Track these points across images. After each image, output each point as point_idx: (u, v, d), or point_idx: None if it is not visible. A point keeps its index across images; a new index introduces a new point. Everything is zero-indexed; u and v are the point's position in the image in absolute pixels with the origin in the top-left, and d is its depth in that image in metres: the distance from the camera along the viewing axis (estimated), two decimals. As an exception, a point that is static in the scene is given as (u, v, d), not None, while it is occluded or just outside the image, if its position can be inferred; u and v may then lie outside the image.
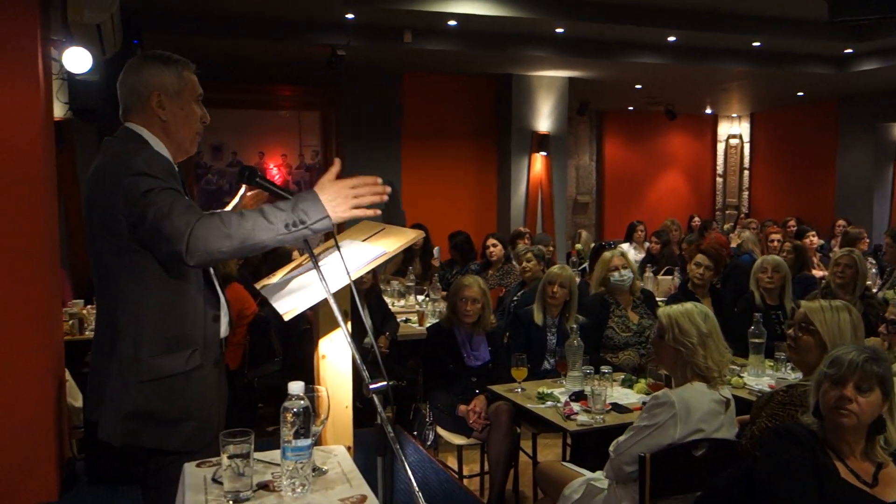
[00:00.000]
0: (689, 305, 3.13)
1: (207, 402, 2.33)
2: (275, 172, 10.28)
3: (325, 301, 1.98)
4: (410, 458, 4.56)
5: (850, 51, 10.06)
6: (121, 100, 2.35)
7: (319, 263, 1.99)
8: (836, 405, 2.33)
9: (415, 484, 1.65)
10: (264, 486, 1.92)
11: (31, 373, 4.16)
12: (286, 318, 2.07)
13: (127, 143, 2.27)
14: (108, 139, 2.31)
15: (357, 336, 3.09)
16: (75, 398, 4.85)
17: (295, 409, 1.79)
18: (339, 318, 1.92)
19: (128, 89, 2.33)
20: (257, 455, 1.98)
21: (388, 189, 2.09)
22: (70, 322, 5.56)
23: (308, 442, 1.82)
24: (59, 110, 5.29)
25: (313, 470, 1.93)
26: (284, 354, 5.83)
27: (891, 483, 2.34)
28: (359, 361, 1.86)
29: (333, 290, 1.97)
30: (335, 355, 2.30)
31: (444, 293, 6.96)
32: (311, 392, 1.93)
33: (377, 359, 1.91)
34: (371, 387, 1.80)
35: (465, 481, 4.63)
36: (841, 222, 10.42)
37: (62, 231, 4.95)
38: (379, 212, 2.09)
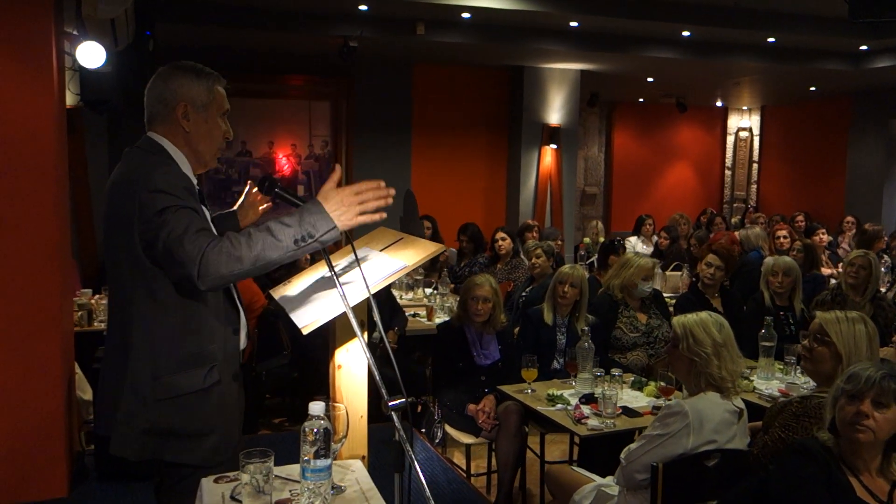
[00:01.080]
0: (703, 315, 3.12)
1: (228, 416, 2.31)
2: (284, 162, 10.25)
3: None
4: (419, 455, 4.56)
5: (865, 47, 9.96)
6: (146, 107, 2.31)
7: (337, 272, 1.97)
8: (853, 420, 2.31)
9: (427, 489, 1.63)
10: (283, 505, 1.91)
11: (41, 366, 4.14)
12: (305, 331, 2.05)
13: (148, 154, 2.23)
14: (129, 150, 2.28)
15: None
16: (84, 391, 4.85)
17: (316, 430, 1.78)
18: (357, 330, 1.91)
19: (155, 97, 2.29)
20: (275, 470, 1.96)
21: (392, 191, 2.07)
22: (79, 313, 5.50)
23: (327, 462, 1.81)
24: (69, 99, 5.27)
25: (332, 488, 1.92)
26: (292, 347, 5.83)
27: (906, 502, 2.33)
28: (377, 377, 1.84)
29: (353, 303, 1.95)
30: (351, 365, 2.29)
31: (453, 286, 6.97)
32: (328, 410, 1.91)
33: (389, 355, 1.89)
34: (390, 404, 1.78)
35: (473, 479, 4.63)
36: (849, 218, 10.38)
37: (71, 219, 4.94)
38: (384, 215, 2.08)
